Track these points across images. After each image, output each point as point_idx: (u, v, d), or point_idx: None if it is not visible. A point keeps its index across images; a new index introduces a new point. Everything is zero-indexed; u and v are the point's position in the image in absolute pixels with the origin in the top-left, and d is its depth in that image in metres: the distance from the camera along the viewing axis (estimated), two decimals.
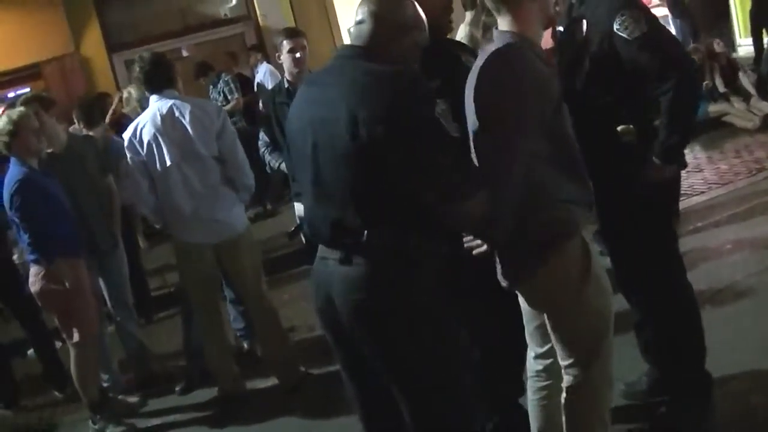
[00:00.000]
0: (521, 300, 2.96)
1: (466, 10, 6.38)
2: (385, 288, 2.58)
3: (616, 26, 3.15)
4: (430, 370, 2.64)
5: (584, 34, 3.30)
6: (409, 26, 2.63)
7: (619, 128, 3.21)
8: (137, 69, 4.73)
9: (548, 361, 2.99)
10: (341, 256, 2.61)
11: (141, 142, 4.64)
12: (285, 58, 5.02)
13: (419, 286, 2.60)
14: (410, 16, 2.64)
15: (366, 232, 2.54)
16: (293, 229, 4.85)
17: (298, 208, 5.25)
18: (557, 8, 4.87)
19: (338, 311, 2.65)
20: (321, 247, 2.74)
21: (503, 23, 2.71)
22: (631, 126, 3.21)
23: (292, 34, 5.11)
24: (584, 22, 3.30)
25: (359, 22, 2.62)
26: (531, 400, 3.06)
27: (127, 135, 4.73)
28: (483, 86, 2.62)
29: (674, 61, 3.16)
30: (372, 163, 2.47)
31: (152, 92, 4.72)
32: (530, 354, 3.06)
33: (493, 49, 2.66)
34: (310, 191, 2.71)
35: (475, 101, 2.64)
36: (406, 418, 2.71)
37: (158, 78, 4.68)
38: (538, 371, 3.03)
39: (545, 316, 2.83)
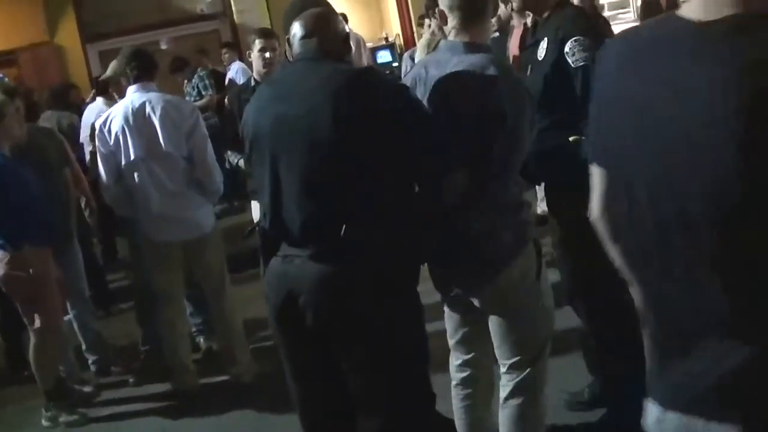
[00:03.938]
0: (447, 310, 3.09)
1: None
2: (361, 286, 2.57)
3: (566, 48, 3.23)
4: (400, 368, 2.66)
5: (544, 53, 3.37)
6: (346, 36, 2.81)
7: (570, 138, 3.26)
8: (118, 58, 4.69)
9: (471, 369, 3.09)
10: (313, 253, 2.58)
11: (110, 132, 4.64)
12: (255, 57, 5.04)
13: (396, 285, 2.63)
14: (342, 28, 2.81)
15: (344, 227, 2.53)
16: (249, 229, 4.83)
17: (255, 205, 5.24)
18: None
19: (302, 310, 2.62)
20: (284, 246, 2.70)
21: (465, 36, 2.81)
22: (583, 138, 3.28)
23: (264, 34, 5.12)
24: (545, 40, 3.38)
25: (304, 36, 2.70)
26: (458, 408, 3.13)
27: (97, 124, 4.75)
28: (488, 90, 2.69)
29: None
30: (356, 151, 2.52)
31: (131, 83, 4.72)
32: (455, 362, 3.14)
33: (475, 58, 2.74)
34: (275, 187, 2.65)
35: (473, 103, 2.70)
36: (365, 419, 2.70)
37: (138, 70, 4.69)
38: (463, 379, 3.11)
39: (496, 318, 2.88)
